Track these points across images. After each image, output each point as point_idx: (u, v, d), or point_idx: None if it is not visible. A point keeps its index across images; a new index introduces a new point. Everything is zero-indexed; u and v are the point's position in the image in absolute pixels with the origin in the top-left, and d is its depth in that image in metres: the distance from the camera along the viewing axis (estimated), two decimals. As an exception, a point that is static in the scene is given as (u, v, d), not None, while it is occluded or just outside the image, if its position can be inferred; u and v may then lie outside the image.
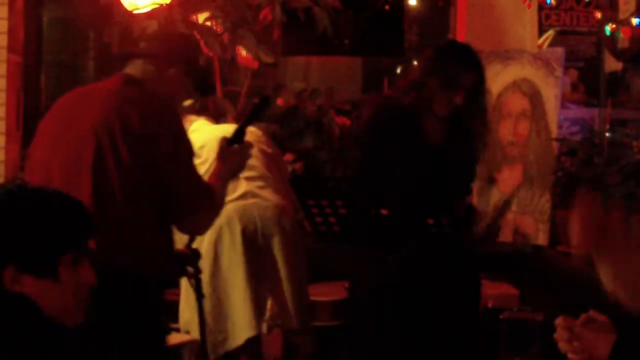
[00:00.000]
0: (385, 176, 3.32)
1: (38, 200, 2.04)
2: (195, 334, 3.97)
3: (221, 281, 3.94)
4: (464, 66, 3.40)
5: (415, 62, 3.60)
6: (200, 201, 2.84)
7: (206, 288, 3.89)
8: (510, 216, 4.67)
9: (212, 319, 3.90)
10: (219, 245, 3.94)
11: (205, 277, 3.90)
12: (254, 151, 4.14)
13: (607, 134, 5.01)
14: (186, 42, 3.18)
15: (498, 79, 4.88)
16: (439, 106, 3.38)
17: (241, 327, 3.90)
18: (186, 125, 4.15)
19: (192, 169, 2.86)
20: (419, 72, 3.49)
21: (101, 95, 2.88)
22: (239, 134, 3.02)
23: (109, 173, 2.73)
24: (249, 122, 3.07)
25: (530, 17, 5.61)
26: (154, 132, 2.76)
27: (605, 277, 1.89)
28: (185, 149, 2.86)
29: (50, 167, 2.81)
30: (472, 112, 3.45)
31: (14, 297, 1.95)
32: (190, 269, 3.28)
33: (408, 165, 3.35)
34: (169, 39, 3.12)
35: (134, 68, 2.92)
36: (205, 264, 3.89)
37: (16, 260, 1.97)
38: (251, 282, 3.92)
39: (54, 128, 2.89)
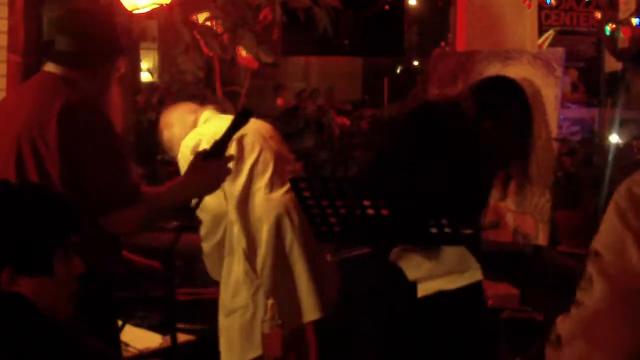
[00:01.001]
0: (398, 175, 3.30)
1: (28, 199, 2.05)
2: (245, 316, 3.97)
3: (284, 266, 3.97)
4: (514, 107, 3.38)
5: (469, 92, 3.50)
6: (121, 202, 2.73)
7: (267, 276, 3.95)
8: (510, 216, 4.67)
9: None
10: (281, 232, 3.96)
11: (265, 268, 3.95)
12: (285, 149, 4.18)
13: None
14: (106, 31, 2.94)
15: (498, 79, 4.88)
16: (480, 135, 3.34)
17: (305, 309, 3.95)
18: (193, 115, 4.15)
19: (114, 166, 2.75)
20: (471, 106, 3.41)
21: (25, 96, 2.86)
22: (220, 146, 2.77)
23: (29, 173, 2.70)
24: (230, 134, 2.80)
25: (530, 17, 5.61)
26: (71, 131, 2.70)
27: None
28: (107, 146, 2.76)
29: None
30: (511, 147, 3.41)
31: (12, 297, 1.95)
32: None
33: (429, 171, 3.32)
34: (87, 32, 2.88)
35: (53, 66, 2.85)
36: (265, 254, 3.94)
37: (13, 262, 1.97)
38: (313, 267, 3.97)
39: None
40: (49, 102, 2.74)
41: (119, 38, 3.01)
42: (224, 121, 4.17)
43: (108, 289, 2.83)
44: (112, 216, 2.74)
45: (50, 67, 2.86)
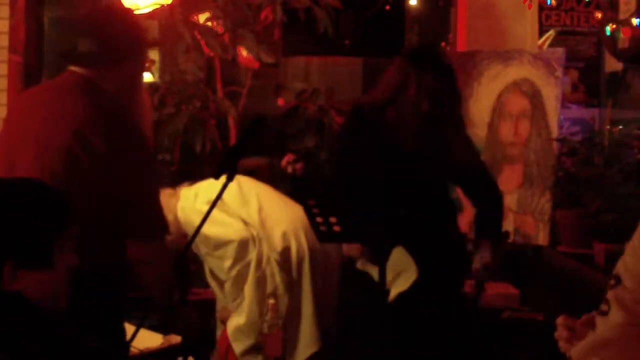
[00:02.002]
0: (360, 183, 3.34)
1: (23, 193, 2.06)
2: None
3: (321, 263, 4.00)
4: (434, 73, 3.37)
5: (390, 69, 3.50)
6: (150, 232, 2.72)
7: (308, 276, 3.97)
8: (510, 216, 4.67)
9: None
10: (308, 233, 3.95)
11: (305, 273, 3.96)
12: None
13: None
14: (126, 33, 2.90)
15: (498, 79, 4.89)
16: (408, 114, 3.36)
17: (305, 343, 3.95)
18: (174, 197, 4.14)
19: (148, 193, 2.72)
20: (392, 80, 3.43)
21: (53, 100, 2.82)
22: (235, 153, 2.77)
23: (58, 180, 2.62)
24: (245, 140, 2.81)
25: (530, 17, 5.61)
26: (102, 139, 2.67)
27: None
28: (140, 155, 2.74)
29: (11, 167, 2.75)
30: (443, 119, 3.41)
31: (13, 296, 1.96)
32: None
33: (381, 172, 3.35)
34: (109, 34, 2.85)
35: (78, 68, 2.82)
36: (301, 258, 3.96)
37: (15, 256, 1.98)
38: (317, 296, 3.98)
39: (15, 128, 2.85)
40: (78, 110, 2.72)
41: (141, 33, 3.00)
42: (207, 181, 4.18)
43: (109, 288, 2.82)
44: (139, 242, 2.72)
45: (75, 69, 2.83)
